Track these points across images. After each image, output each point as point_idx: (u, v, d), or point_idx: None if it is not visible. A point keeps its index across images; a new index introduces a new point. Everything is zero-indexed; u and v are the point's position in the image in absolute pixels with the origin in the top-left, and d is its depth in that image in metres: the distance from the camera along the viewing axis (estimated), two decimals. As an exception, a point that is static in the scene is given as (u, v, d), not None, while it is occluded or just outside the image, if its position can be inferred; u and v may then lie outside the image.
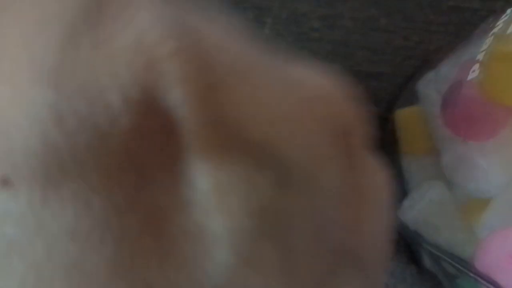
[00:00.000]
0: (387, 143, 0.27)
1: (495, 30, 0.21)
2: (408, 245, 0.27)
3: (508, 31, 0.21)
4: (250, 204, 0.09)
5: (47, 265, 0.09)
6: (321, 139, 0.11)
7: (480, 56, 0.21)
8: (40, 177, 0.08)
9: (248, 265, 0.09)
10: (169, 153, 0.09)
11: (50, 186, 0.08)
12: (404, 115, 0.26)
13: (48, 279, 0.09)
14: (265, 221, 0.09)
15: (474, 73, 0.21)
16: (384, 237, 0.14)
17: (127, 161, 0.09)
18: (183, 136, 0.09)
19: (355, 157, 0.12)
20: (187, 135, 0.09)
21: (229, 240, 0.09)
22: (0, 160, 0.08)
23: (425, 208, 0.23)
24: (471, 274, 0.21)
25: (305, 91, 0.11)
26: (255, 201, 0.09)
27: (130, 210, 0.09)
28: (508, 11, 0.22)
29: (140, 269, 0.09)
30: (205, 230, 0.09)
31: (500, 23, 0.22)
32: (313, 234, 0.10)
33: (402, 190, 0.25)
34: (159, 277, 0.09)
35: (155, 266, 0.09)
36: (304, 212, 0.10)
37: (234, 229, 0.09)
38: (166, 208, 0.09)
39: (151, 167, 0.09)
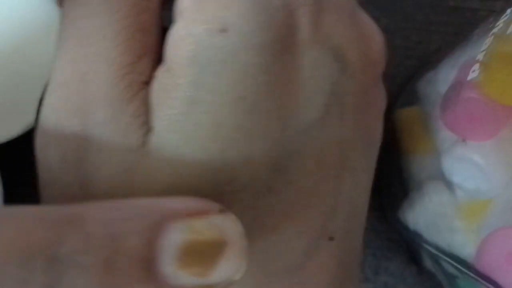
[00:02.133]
0: (387, 143, 0.27)
1: (495, 30, 0.21)
2: (408, 245, 0.27)
3: (508, 31, 0.21)
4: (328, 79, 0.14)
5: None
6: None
7: (480, 56, 0.21)
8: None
9: None
10: (290, 43, 0.14)
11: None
12: (404, 115, 0.26)
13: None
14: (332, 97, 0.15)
15: (474, 73, 0.21)
16: None
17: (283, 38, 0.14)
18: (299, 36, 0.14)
19: None
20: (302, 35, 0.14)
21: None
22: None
23: (425, 208, 0.23)
24: (471, 274, 0.21)
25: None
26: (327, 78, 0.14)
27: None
28: (508, 11, 0.22)
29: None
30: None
31: (500, 23, 0.22)
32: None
33: (402, 190, 0.25)
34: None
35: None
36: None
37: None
38: (295, 69, 0.14)
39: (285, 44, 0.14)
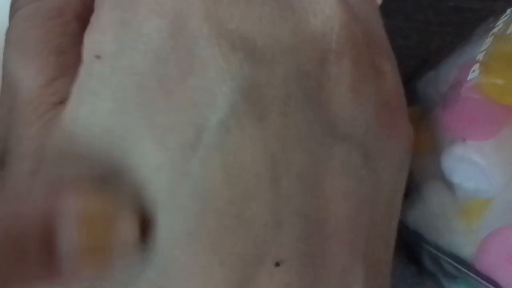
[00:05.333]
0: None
1: (495, 30, 0.21)
2: (408, 245, 0.27)
3: (508, 31, 0.21)
4: None
5: None
6: None
7: (480, 56, 0.21)
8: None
9: None
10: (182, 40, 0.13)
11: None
12: (404, 115, 0.26)
13: None
14: None
15: (474, 73, 0.21)
16: None
17: None
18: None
19: None
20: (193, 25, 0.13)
21: None
22: None
23: (425, 208, 0.23)
24: (471, 274, 0.21)
25: None
26: None
27: None
28: (508, 11, 0.22)
29: None
30: None
31: (500, 23, 0.22)
32: None
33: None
34: None
35: None
36: None
37: None
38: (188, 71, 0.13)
39: None
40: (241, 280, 0.12)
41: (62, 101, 0.14)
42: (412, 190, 0.24)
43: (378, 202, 0.14)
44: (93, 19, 0.14)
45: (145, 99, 0.13)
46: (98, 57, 0.13)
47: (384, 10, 0.31)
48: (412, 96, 0.25)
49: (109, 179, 0.13)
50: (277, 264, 0.12)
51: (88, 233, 0.11)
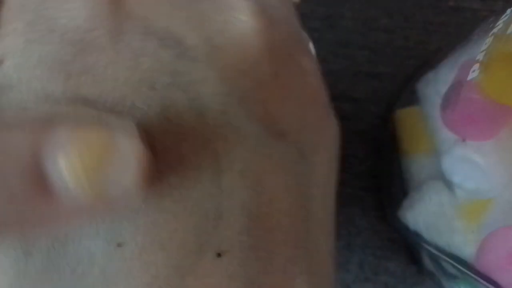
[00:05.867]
0: (387, 143, 0.27)
1: (495, 30, 0.21)
2: (408, 245, 0.27)
3: (508, 31, 0.21)
4: None
5: None
6: None
7: (480, 56, 0.21)
8: None
9: None
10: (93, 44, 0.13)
11: None
12: (404, 115, 0.26)
13: None
14: None
15: (474, 73, 0.21)
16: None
17: None
18: None
19: None
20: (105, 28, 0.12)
21: None
22: None
23: (425, 208, 0.23)
24: (471, 274, 0.21)
25: None
26: None
27: None
28: (508, 11, 0.22)
29: None
30: None
31: (500, 23, 0.22)
32: None
33: (402, 190, 0.25)
34: None
35: None
36: None
37: None
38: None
39: None
40: (182, 266, 0.12)
41: None
42: (412, 190, 0.24)
43: (315, 194, 0.15)
44: None
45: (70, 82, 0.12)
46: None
47: (384, 10, 0.31)
48: (412, 96, 0.25)
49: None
50: (219, 255, 0.13)
51: (82, 164, 0.11)
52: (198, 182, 0.13)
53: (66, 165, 0.11)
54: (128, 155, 0.11)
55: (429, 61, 0.27)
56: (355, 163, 0.29)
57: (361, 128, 0.29)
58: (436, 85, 0.24)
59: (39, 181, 0.11)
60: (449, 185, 0.21)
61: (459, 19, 0.30)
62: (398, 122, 0.26)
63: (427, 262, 0.25)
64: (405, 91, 0.27)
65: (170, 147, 0.12)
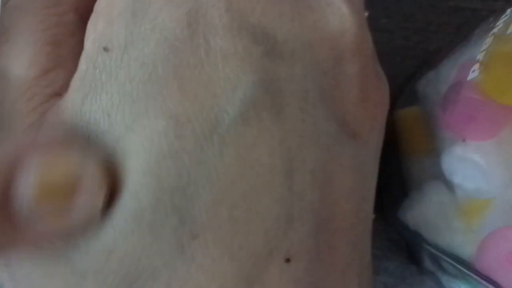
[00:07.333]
0: (387, 143, 0.27)
1: (495, 30, 0.21)
2: (408, 245, 0.27)
3: (508, 31, 0.21)
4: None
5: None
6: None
7: (480, 56, 0.21)
8: None
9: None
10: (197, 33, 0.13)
11: None
12: (404, 115, 0.26)
13: None
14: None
15: (474, 73, 0.21)
16: None
17: None
18: None
19: None
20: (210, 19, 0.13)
21: None
22: None
23: (425, 208, 0.23)
24: (471, 274, 0.21)
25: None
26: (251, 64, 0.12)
27: None
28: (508, 11, 0.22)
29: None
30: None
31: (500, 23, 0.22)
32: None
33: (402, 190, 0.25)
34: None
35: None
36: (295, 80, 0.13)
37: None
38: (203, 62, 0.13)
39: None
40: (251, 275, 0.12)
41: (57, 94, 0.13)
42: (412, 190, 0.24)
43: (370, 197, 0.15)
44: (98, 8, 0.13)
45: (156, 87, 0.12)
46: (106, 49, 0.13)
47: (384, 10, 0.31)
48: (412, 96, 0.25)
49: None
50: (288, 260, 0.12)
51: (49, 191, 0.11)
52: (270, 186, 0.12)
53: (28, 189, 0.11)
54: (92, 182, 0.11)
55: (429, 61, 0.27)
56: (355, 163, 0.29)
57: (361, 128, 0.29)
58: (436, 85, 0.24)
59: (6, 204, 0.11)
60: (449, 185, 0.21)
61: (459, 19, 0.30)
62: (398, 122, 0.26)
63: (427, 262, 0.25)
64: (405, 91, 0.27)
65: (244, 152, 0.12)
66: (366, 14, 0.16)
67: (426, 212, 0.22)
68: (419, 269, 0.28)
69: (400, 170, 0.25)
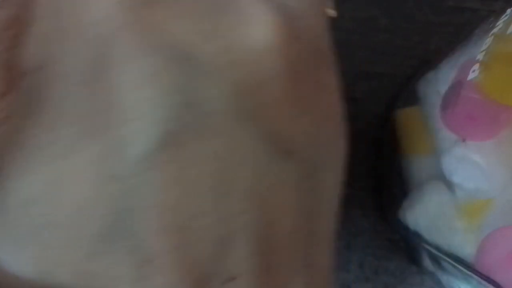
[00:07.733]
0: (387, 143, 0.27)
1: (495, 30, 0.21)
2: (408, 245, 0.27)
3: (508, 31, 0.21)
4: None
5: None
6: None
7: (480, 56, 0.21)
8: None
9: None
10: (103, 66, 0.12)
11: None
12: (404, 115, 0.26)
13: None
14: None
15: (474, 73, 0.21)
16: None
17: None
18: None
19: None
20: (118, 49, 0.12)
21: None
22: None
23: (425, 208, 0.23)
24: (471, 274, 0.21)
25: None
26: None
27: None
28: (508, 11, 0.22)
29: None
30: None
31: (500, 23, 0.22)
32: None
33: (402, 190, 0.25)
34: None
35: None
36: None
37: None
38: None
39: None
40: None
41: (8, 118, 0.12)
42: (412, 190, 0.24)
43: (320, 212, 0.14)
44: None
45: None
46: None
47: (384, 10, 0.31)
48: (412, 96, 0.25)
49: None
50: (228, 281, 0.12)
51: None
52: (201, 210, 0.12)
53: None
54: None
55: (429, 61, 0.27)
56: (355, 163, 0.29)
57: (361, 128, 0.29)
58: (436, 85, 0.24)
59: None
60: (449, 185, 0.21)
61: (459, 19, 0.30)
62: (398, 122, 0.26)
63: (427, 262, 0.25)
64: (405, 91, 0.27)
65: (173, 175, 0.12)
66: (334, 14, 0.15)
67: (426, 212, 0.22)
68: (419, 269, 0.28)
69: (400, 170, 0.25)
